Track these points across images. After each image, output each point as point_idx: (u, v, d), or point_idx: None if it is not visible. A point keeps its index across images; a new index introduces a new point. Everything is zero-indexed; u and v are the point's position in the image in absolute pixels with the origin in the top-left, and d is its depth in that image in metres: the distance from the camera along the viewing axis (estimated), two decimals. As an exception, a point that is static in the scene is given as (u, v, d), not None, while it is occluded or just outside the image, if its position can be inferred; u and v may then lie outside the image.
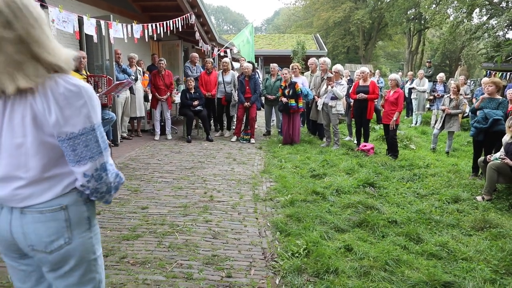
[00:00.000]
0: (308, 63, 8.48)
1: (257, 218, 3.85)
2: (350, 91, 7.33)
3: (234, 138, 7.74)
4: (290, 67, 7.89)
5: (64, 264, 1.31)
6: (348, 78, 8.79)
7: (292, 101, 7.11)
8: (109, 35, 6.13)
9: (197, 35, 9.69)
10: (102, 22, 5.74)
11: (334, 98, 6.96)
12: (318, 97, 7.33)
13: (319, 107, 7.21)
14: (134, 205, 4.11)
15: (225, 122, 8.52)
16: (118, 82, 5.29)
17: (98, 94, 5.17)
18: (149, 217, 3.79)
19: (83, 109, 1.21)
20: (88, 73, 5.94)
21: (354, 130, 7.70)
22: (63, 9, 5.02)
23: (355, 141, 7.52)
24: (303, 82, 7.76)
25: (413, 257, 3.10)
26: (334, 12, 32.71)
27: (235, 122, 8.03)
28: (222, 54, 11.15)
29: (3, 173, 1.24)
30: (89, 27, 5.45)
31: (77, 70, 5.46)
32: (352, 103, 7.39)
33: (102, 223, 3.60)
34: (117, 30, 6.12)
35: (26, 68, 1.17)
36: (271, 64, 8.22)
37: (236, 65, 10.04)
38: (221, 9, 69.16)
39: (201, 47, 10.13)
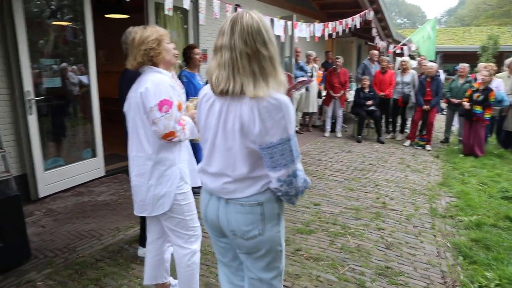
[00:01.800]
0: (506, 63, 7.25)
1: (435, 236, 3.56)
2: None
3: (407, 143, 7.28)
4: (484, 67, 6.87)
5: (256, 250, 1.50)
6: None
7: (478, 108, 6.23)
8: (293, 35, 6.49)
9: (374, 31, 9.40)
10: (289, 23, 6.11)
11: (541, 106, 5.80)
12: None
13: (518, 116, 6.12)
14: (307, 200, 4.31)
15: (397, 124, 8.07)
16: (300, 80, 5.55)
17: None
18: (321, 214, 3.92)
19: (282, 121, 1.33)
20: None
21: None
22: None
23: None
24: (497, 85, 6.70)
25: None
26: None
27: (409, 126, 7.53)
28: (398, 51, 10.55)
29: (217, 170, 1.48)
30: (278, 28, 5.88)
31: None
32: None
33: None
34: (301, 29, 6.44)
35: (269, 81, 1.36)
36: (460, 64, 7.34)
37: (411, 63, 9.33)
38: (395, 2, 65.23)
39: (376, 44, 9.79)
